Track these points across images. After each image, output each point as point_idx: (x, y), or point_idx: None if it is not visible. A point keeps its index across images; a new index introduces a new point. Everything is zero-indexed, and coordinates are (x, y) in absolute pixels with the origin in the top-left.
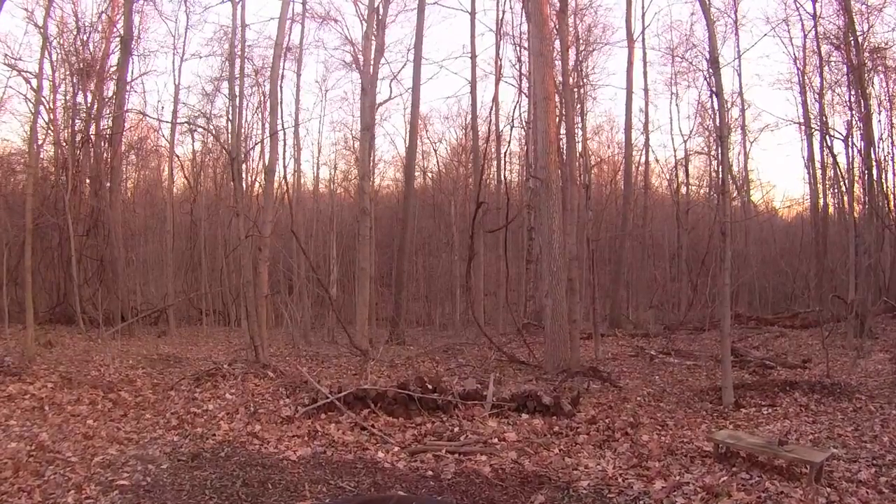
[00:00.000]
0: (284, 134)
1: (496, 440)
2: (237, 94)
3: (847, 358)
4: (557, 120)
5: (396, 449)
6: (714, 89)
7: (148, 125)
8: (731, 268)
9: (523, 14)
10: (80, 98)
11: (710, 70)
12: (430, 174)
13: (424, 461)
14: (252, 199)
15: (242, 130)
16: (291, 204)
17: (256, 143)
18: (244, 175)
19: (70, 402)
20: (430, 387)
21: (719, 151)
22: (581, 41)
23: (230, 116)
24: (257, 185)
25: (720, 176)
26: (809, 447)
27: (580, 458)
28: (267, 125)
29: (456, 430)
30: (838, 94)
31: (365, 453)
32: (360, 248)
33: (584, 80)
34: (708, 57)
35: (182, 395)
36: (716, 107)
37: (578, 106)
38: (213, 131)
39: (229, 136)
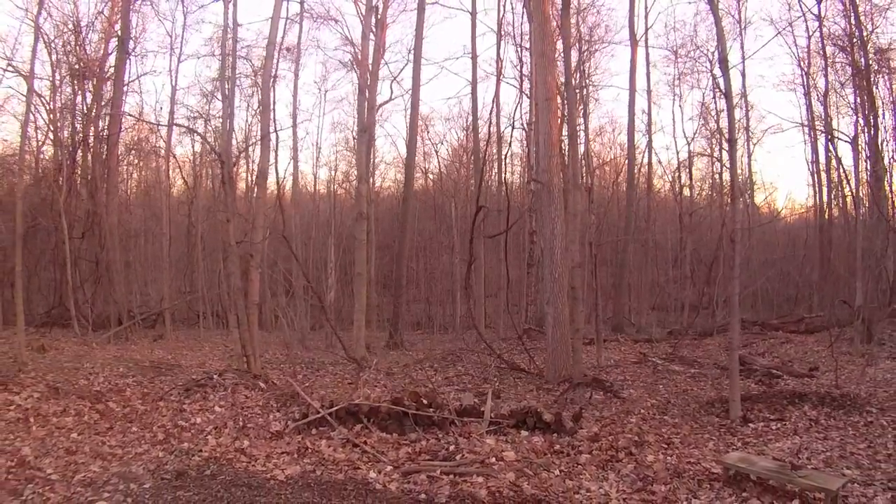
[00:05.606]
0: (278, 136)
1: (494, 460)
2: (227, 94)
3: (855, 366)
4: (560, 121)
5: (389, 468)
6: (723, 90)
7: (147, 125)
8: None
9: (524, 14)
10: (78, 99)
11: (720, 70)
12: (431, 175)
13: (418, 482)
14: (248, 201)
15: (241, 132)
16: (283, 207)
17: (248, 146)
18: (244, 175)
19: (56, 414)
20: (425, 402)
21: (728, 156)
22: (584, 41)
23: (223, 117)
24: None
25: (729, 181)
26: (824, 472)
27: (582, 481)
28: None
29: (452, 448)
30: (842, 97)
31: (356, 473)
32: (356, 253)
33: (587, 81)
34: (717, 57)
35: (171, 407)
36: (723, 108)
37: (581, 107)
38: (204, 134)
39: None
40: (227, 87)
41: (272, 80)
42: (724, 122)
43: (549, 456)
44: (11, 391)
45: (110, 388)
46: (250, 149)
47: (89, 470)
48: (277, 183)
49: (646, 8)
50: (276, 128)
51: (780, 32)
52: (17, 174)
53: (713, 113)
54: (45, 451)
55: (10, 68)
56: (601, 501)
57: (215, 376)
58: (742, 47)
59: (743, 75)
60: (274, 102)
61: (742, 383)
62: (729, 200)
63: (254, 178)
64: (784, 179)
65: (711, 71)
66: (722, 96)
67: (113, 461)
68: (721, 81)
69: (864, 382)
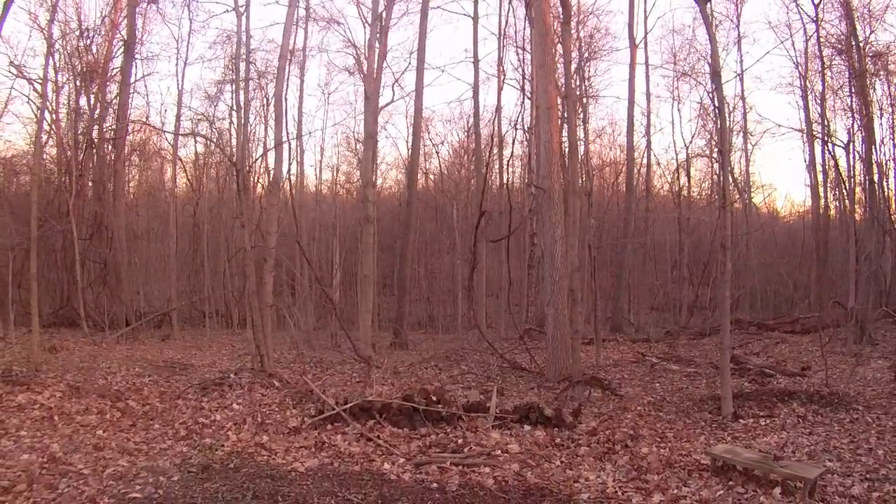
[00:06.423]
0: (290, 145)
1: (499, 452)
2: (241, 105)
3: (846, 365)
4: (560, 125)
5: (402, 460)
6: (716, 103)
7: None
8: (731, 277)
9: (526, 19)
10: (83, 101)
11: (712, 83)
12: (431, 176)
13: (429, 473)
14: (255, 201)
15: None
16: (296, 213)
17: (261, 156)
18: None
19: (79, 412)
20: (434, 399)
21: (720, 165)
22: (583, 46)
23: (235, 127)
24: (260, 186)
25: (721, 189)
26: (804, 462)
27: (581, 471)
28: (271, 132)
29: (460, 441)
30: (840, 98)
31: (371, 465)
32: (363, 256)
33: (587, 85)
34: (710, 70)
35: (189, 405)
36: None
37: (580, 113)
38: (218, 141)
39: (234, 145)
40: (241, 97)
41: (284, 90)
42: (719, 134)
43: (551, 448)
44: (34, 391)
45: (128, 387)
46: (257, 151)
47: (118, 465)
48: (290, 188)
49: (645, 12)
50: (288, 137)
51: (781, 43)
52: (32, 178)
53: (712, 114)
54: (73, 448)
55: (21, 76)
56: (598, 489)
57: (232, 375)
58: (739, 50)
59: (741, 79)
60: (286, 112)
61: (736, 382)
62: (719, 209)
63: (257, 179)
64: (783, 180)
65: (710, 75)
66: (717, 109)
67: (139, 456)
68: (714, 94)
69: (854, 381)
